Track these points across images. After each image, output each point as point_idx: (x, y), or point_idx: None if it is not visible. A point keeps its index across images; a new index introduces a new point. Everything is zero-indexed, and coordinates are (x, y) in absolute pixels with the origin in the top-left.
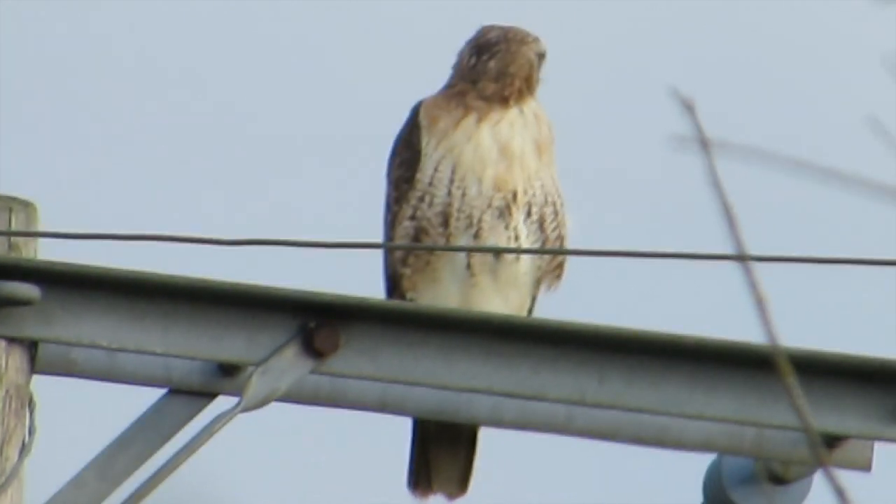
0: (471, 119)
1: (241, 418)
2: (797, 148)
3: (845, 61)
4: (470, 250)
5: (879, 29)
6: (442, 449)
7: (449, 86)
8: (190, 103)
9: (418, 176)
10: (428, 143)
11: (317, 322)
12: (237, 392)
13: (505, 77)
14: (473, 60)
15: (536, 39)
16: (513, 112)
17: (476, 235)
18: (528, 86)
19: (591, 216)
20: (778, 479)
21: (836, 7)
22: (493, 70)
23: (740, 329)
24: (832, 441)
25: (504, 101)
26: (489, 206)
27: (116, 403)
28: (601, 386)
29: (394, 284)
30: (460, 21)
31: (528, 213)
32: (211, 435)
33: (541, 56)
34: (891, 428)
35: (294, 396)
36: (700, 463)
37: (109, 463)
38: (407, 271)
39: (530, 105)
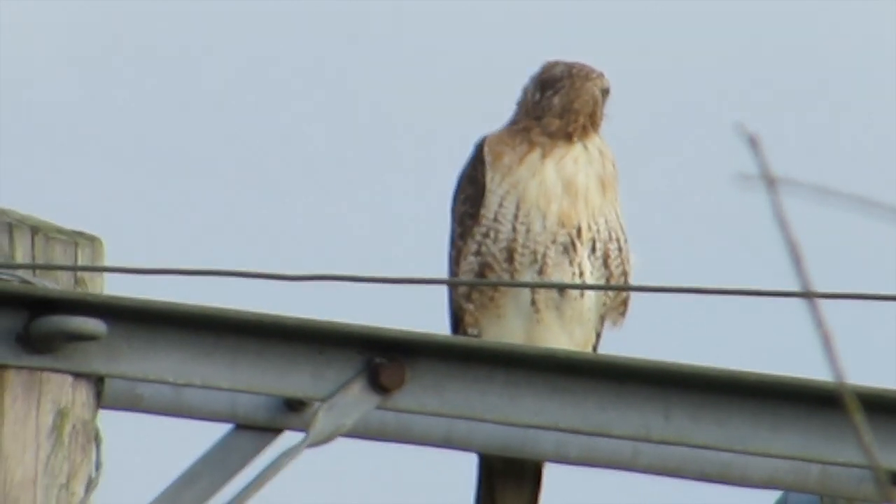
0: (535, 155)
1: (308, 454)
2: (863, 184)
3: None
4: (534, 286)
5: None
6: (507, 485)
7: (513, 121)
8: (258, 138)
9: (483, 212)
10: (492, 179)
11: (382, 358)
12: (303, 428)
13: (569, 113)
14: (538, 96)
15: (601, 75)
16: (577, 148)
17: (540, 271)
18: (592, 122)
19: (655, 253)
20: None
21: None
22: (557, 106)
23: (806, 366)
24: None
25: (568, 137)
26: (553, 241)
27: (183, 439)
28: (667, 422)
29: (458, 320)
30: (524, 56)
31: (593, 249)
32: (277, 471)
33: (605, 92)
34: None
35: (360, 432)
36: (766, 499)
37: (176, 499)
38: (471, 307)
39: (594, 141)
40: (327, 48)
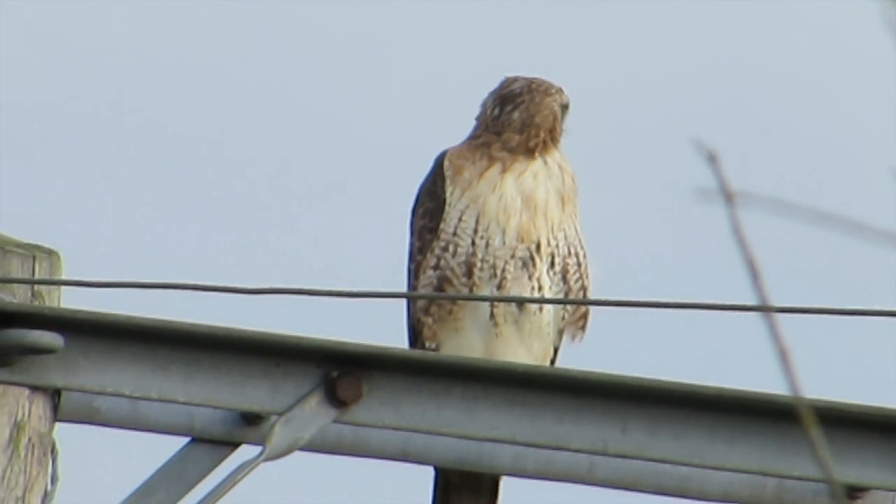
0: (495, 170)
1: (264, 467)
2: (821, 198)
3: (869, 111)
4: (493, 300)
5: None
6: (464, 498)
7: (473, 136)
8: (212, 151)
9: (442, 226)
10: (452, 193)
11: (339, 371)
12: (260, 441)
13: (529, 128)
14: (497, 111)
15: (560, 91)
16: (537, 163)
17: (499, 286)
18: (552, 137)
19: (613, 267)
20: None
21: (865, 53)
22: (517, 121)
23: (763, 380)
24: (853, 492)
25: (529, 153)
26: (513, 256)
27: (139, 452)
28: (624, 436)
29: (416, 334)
30: (484, 71)
31: (552, 264)
32: (234, 484)
33: (564, 107)
34: None
35: (317, 446)
36: None
37: None
38: (429, 321)
39: (554, 156)
40: (288, 57)
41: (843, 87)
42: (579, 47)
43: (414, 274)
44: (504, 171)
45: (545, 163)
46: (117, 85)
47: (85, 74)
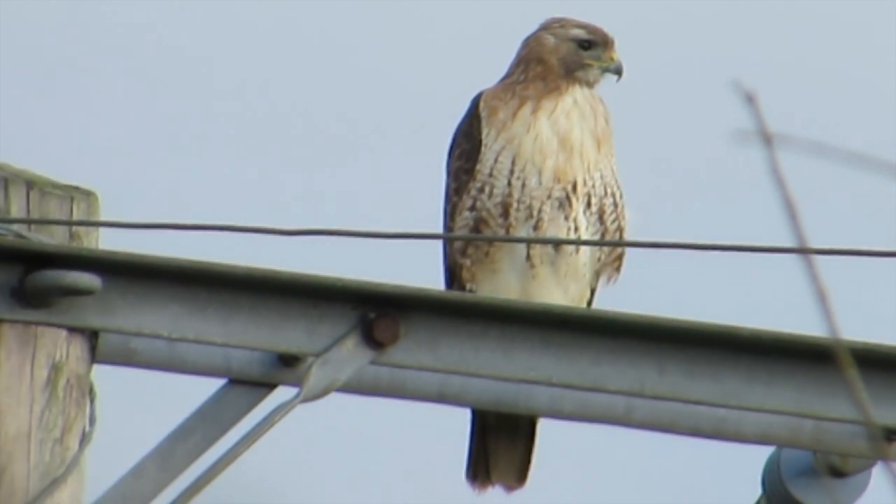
0: (526, 109)
1: (301, 409)
2: (859, 141)
3: None
4: (530, 241)
5: None
6: (501, 440)
7: (505, 77)
8: (251, 95)
9: (478, 167)
10: (488, 134)
11: (377, 313)
12: (297, 383)
13: (521, 62)
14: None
15: (563, 24)
16: (567, 101)
17: (536, 227)
18: (545, 68)
19: (650, 208)
20: (837, 472)
21: None
22: (516, 57)
23: (801, 322)
24: (892, 434)
25: (547, 86)
26: (549, 197)
27: (176, 393)
28: (660, 377)
29: (453, 275)
30: (530, 15)
31: (588, 205)
32: (271, 426)
33: (573, 41)
34: None
35: (353, 387)
36: (759, 455)
37: (169, 453)
38: (466, 262)
39: (583, 94)
40: (324, 4)
41: (884, 28)
42: None
43: (450, 215)
44: (535, 110)
45: (575, 101)
46: (163, 24)
47: (131, 11)
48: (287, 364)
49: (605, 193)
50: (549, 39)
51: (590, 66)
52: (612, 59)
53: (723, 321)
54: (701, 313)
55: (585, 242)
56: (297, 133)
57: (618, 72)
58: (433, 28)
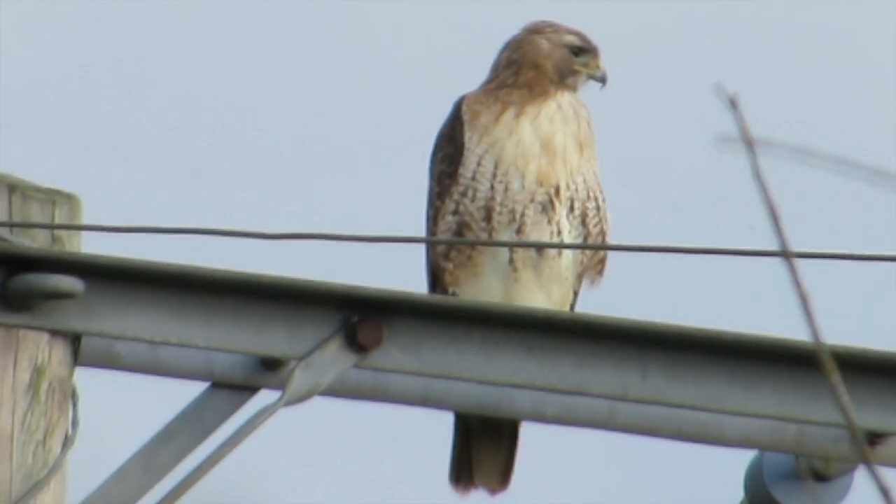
0: (509, 114)
1: (284, 412)
2: (841, 145)
3: (892, 56)
4: (512, 245)
5: None
6: (484, 443)
7: (487, 82)
8: (235, 100)
9: (461, 171)
10: (470, 138)
11: (360, 316)
12: (280, 386)
13: (513, 65)
14: (498, 55)
15: (556, 30)
16: (550, 106)
17: (518, 230)
18: (538, 73)
19: (633, 212)
20: (819, 476)
21: (886, 3)
22: (504, 61)
23: (784, 326)
24: (874, 438)
25: (532, 92)
26: (532, 200)
27: (159, 397)
28: (643, 381)
29: (436, 279)
30: (511, 18)
31: (571, 209)
32: (253, 429)
33: (566, 46)
34: None
35: (336, 391)
36: (741, 459)
37: (152, 456)
38: (449, 266)
39: (567, 99)
40: (310, 11)
41: (866, 33)
42: None
43: (433, 219)
44: (518, 114)
45: (559, 106)
46: (141, 30)
47: (107, 21)
48: (270, 368)
49: (588, 197)
50: (544, 44)
51: (578, 72)
52: (598, 66)
53: (705, 325)
54: (683, 317)
55: (568, 246)
56: (279, 137)
57: (603, 80)
58: (412, 33)
